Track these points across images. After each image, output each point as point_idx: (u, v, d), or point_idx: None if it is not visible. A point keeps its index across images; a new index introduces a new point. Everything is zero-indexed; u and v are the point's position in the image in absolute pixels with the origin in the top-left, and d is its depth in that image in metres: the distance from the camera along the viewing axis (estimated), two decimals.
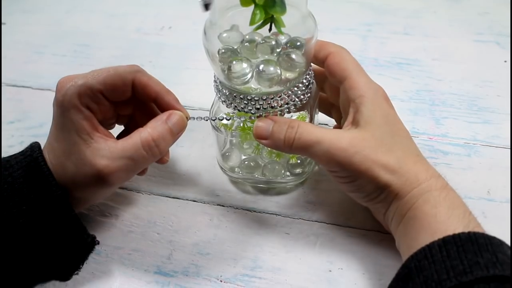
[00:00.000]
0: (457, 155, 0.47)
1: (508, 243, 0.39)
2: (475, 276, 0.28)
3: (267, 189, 0.45)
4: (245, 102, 0.37)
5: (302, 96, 0.38)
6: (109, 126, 0.42)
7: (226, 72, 0.36)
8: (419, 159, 0.36)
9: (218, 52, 0.37)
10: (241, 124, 0.41)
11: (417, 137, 0.49)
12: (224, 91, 0.38)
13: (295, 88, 0.38)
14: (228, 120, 0.41)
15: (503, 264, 0.28)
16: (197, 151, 0.49)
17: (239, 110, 0.38)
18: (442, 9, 0.67)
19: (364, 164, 0.35)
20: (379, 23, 0.65)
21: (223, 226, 0.42)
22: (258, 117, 0.38)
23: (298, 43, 0.37)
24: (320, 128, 0.37)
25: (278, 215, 0.43)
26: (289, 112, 0.39)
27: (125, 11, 0.71)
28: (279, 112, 0.38)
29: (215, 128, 0.42)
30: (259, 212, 0.44)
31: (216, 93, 0.40)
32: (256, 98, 0.37)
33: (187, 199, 0.45)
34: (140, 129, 0.37)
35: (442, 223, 0.32)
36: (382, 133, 0.36)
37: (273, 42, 0.36)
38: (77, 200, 0.37)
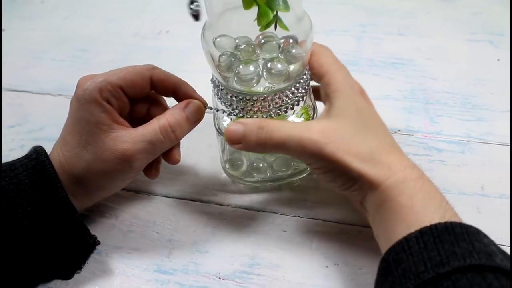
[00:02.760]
0: (451, 152, 0.48)
1: (508, 237, 0.40)
2: (452, 266, 0.28)
3: (267, 188, 0.46)
4: (251, 103, 0.38)
5: (303, 90, 0.39)
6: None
7: (234, 76, 0.37)
8: (393, 149, 0.36)
9: (219, 60, 0.37)
10: None
11: (412, 135, 0.50)
12: (228, 95, 0.39)
13: (297, 84, 0.38)
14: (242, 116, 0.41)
15: (479, 253, 0.28)
16: (195, 151, 0.50)
17: (241, 113, 0.39)
18: (435, 9, 0.68)
19: (336, 154, 0.35)
20: (373, 24, 0.66)
21: (221, 225, 0.43)
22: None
23: (293, 51, 0.37)
24: (290, 123, 0.37)
25: (275, 213, 0.44)
26: (292, 108, 0.39)
27: (122, 16, 0.72)
28: (283, 110, 0.39)
29: (219, 132, 0.42)
30: (256, 210, 0.44)
31: (215, 96, 0.40)
32: (262, 98, 0.37)
33: (185, 199, 0.45)
34: (159, 116, 0.39)
35: (418, 214, 0.32)
36: (354, 124, 0.36)
37: (277, 40, 0.37)
38: (92, 189, 0.39)
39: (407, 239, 0.30)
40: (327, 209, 0.44)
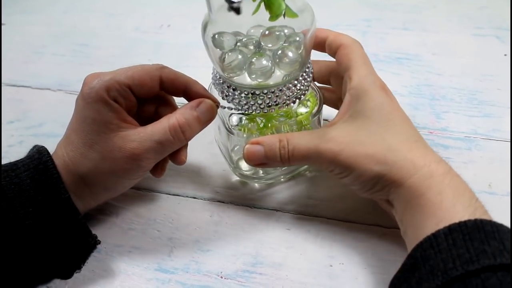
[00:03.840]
0: (457, 149, 0.47)
1: None
2: (482, 264, 0.27)
3: (272, 184, 0.45)
4: (261, 97, 0.37)
5: (301, 88, 0.38)
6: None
7: (248, 72, 0.37)
8: (416, 145, 0.35)
9: (224, 59, 0.37)
10: (261, 125, 0.41)
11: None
12: (232, 91, 0.38)
13: (295, 81, 0.38)
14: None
15: (510, 252, 0.28)
16: (197, 148, 0.49)
17: (243, 109, 0.38)
18: (441, 3, 0.67)
19: (350, 158, 0.35)
20: (378, 18, 0.65)
21: (223, 223, 0.42)
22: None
23: (297, 38, 0.37)
24: (307, 134, 0.37)
25: (279, 211, 0.43)
26: (301, 97, 0.39)
27: (123, 10, 0.71)
28: (285, 105, 0.38)
29: (229, 130, 0.41)
30: (259, 208, 0.43)
31: (220, 94, 0.40)
32: (264, 92, 0.37)
33: (187, 196, 0.45)
34: (169, 115, 0.38)
35: (448, 211, 0.31)
36: (372, 123, 0.36)
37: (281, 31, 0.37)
38: (98, 189, 0.38)
39: (435, 235, 0.30)
40: (331, 207, 0.43)
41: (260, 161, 0.38)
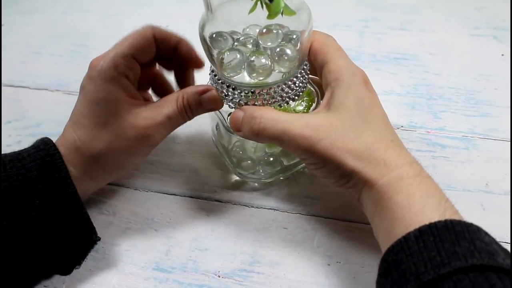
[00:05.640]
0: (455, 148, 0.47)
1: (508, 234, 0.39)
2: (453, 267, 0.27)
3: (271, 183, 0.45)
4: (253, 97, 0.37)
5: (300, 85, 0.38)
6: (144, 91, 0.45)
7: (246, 67, 0.37)
8: (392, 144, 0.35)
9: (222, 58, 0.37)
10: None
11: (415, 131, 0.49)
12: (232, 90, 0.38)
13: (294, 79, 0.38)
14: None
15: (481, 252, 0.27)
16: (194, 147, 0.49)
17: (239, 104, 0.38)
18: (438, 4, 0.67)
19: (329, 150, 0.34)
20: (375, 19, 0.65)
21: (220, 222, 0.42)
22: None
23: (294, 36, 0.37)
24: (287, 116, 0.36)
25: (276, 210, 0.43)
26: (292, 100, 0.39)
27: (121, 10, 0.71)
28: (285, 103, 0.38)
29: (228, 129, 0.41)
30: (256, 207, 0.43)
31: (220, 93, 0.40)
32: (264, 90, 0.37)
33: (184, 196, 0.45)
34: (175, 93, 0.39)
35: (417, 214, 0.30)
36: (352, 117, 0.35)
37: (278, 29, 0.36)
38: (109, 168, 0.39)
39: (406, 238, 0.29)
40: (328, 206, 0.43)
41: (237, 128, 0.37)
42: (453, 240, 0.28)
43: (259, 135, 0.36)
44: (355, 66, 0.38)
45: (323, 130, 0.34)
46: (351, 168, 0.34)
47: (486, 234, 0.30)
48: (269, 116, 0.36)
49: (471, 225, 0.29)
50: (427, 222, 0.29)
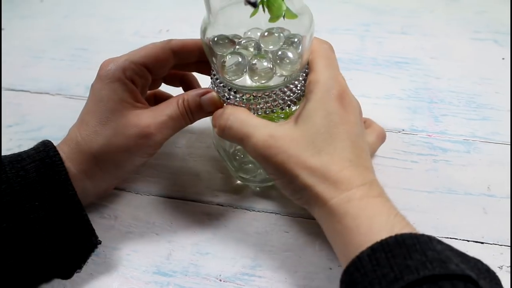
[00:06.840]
0: (456, 152, 0.47)
1: (508, 237, 0.39)
2: (406, 281, 0.26)
3: (272, 187, 0.45)
4: (255, 100, 0.37)
5: (301, 88, 0.38)
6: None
7: (248, 70, 0.37)
8: (348, 165, 0.34)
9: (224, 61, 0.37)
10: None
11: (416, 134, 0.49)
12: (234, 94, 0.38)
13: (296, 82, 0.38)
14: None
15: (432, 262, 0.27)
16: (195, 151, 0.49)
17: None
18: (439, 8, 0.67)
19: (285, 164, 0.34)
20: (376, 23, 0.65)
21: (222, 226, 0.42)
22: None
23: (296, 39, 0.37)
24: (255, 121, 0.36)
25: (277, 214, 0.43)
26: (294, 104, 0.39)
27: (122, 14, 0.72)
28: (287, 106, 0.38)
29: None
30: (258, 211, 0.43)
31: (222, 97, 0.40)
32: (266, 93, 0.37)
33: (185, 199, 0.45)
34: (178, 96, 0.40)
35: (365, 235, 0.30)
36: (316, 133, 0.34)
37: (279, 32, 0.37)
38: (109, 167, 0.39)
39: (359, 258, 0.29)
40: None
41: (213, 123, 0.38)
42: (404, 254, 0.28)
43: (225, 132, 0.37)
44: (336, 79, 0.37)
45: (283, 143, 0.34)
46: (303, 183, 0.34)
47: (439, 242, 0.29)
48: (239, 117, 0.36)
49: (421, 236, 0.29)
50: (378, 240, 0.29)
